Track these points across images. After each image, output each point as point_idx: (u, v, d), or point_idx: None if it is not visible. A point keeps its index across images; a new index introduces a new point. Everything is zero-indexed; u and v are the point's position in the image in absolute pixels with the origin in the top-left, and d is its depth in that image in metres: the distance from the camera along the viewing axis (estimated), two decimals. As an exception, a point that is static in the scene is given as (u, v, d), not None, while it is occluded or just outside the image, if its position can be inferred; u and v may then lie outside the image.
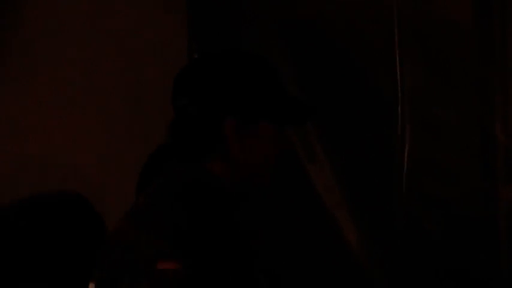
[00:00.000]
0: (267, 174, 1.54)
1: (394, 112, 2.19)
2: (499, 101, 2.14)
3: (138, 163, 1.85)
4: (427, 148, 2.18)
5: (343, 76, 2.28)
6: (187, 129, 1.52)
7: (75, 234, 1.88)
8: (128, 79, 2.66)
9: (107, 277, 1.49)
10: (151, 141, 1.88)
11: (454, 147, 2.15)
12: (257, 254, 1.49)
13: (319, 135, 2.29)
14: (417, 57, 2.19)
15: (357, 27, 2.26)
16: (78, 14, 2.64)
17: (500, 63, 2.13)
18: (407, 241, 2.16)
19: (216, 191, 1.47)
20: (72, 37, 2.62)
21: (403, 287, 2.19)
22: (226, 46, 2.35)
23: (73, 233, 1.88)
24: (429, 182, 2.19)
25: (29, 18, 2.72)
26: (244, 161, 1.50)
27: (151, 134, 2.21)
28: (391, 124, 2.20)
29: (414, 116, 2.17)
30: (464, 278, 2.17)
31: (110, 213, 1.80)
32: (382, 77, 2.23)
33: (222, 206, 1.47)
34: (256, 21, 2.42)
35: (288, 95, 1.57)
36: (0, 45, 2.73)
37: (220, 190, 1.48)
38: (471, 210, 2.16)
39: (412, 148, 2.17)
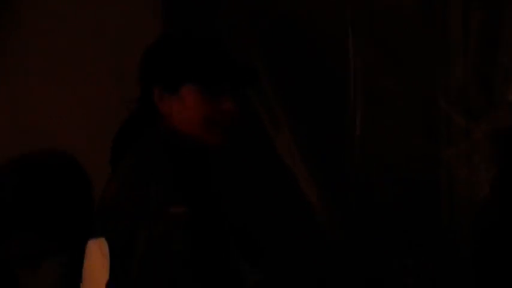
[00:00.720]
0: (212, 133, 1.68)
1: (347, 84, 2.49)
2: (440, 73, 2.44)
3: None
4: (376, 116, 2.47)
5: (305, 54, 2.57)
6: (140, 101, 1.73)
7: (63, 188, 2.12)
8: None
9: (121, 229, 1.63)
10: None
11: (400, 115, 2.45)
12: (225, 201, 1.70)
13: (282, 102, 2.56)
14: (367, 37, 2.49)
15: (316, 13, 2.56)
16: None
17: (441, 40, 2.43)
18: (360, 198, 2.47)
19: (188, 148, 1.66)
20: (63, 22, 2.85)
21: (359, 239, 2.47)
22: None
23: (60, 187, 2.13)
24: (378, 146, 2.49)
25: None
26: (180, 123, 1.67)
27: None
28: (345, 95, 2.50)
29: (365, 88, 2.47)
30: (412, 233, 2.46)
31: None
32: (338, 54, 2.52)
33: (195, 159, 1.66)
34: (227, 12, 2.70)
35: (225, 64, 1.70)
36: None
37: (190, 147, 1.66)
38: (416, 171, 2.45)
39: (363, 116, 2.47)
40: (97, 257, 1.79)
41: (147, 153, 1.67)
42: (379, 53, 2.49)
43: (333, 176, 2.50)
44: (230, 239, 1.71)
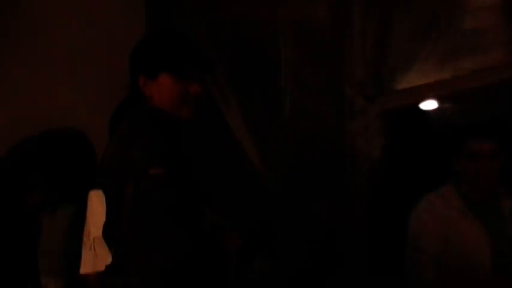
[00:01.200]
0: (183, 109, 2.05)
1: (280, 75, 3.21)
2: (346, 67, 3.20)
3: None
4: (301, 100, 3.21)
5: (248, 50, 3.28)
6: (129, 86, 2.12)
7: (74, 154, 2.65)
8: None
9: (114, 183, 1.98)
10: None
11: (318, 99, 3.20)
12: (193, 162, 2.06)
13: (231, 87, 3.25)
14: (294, 39, 3.22)
15: (256, 21, 3.28)
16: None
17: (346, 43, 3.18)
18: (289, 159, 3.22)
19: (165, 121, 2.03)
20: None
21: (286, 191, 3.21)
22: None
23: (72, 153, 2.65)
24: (302, 122, 3.24)
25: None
26: (160, 103, 2.04)
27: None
28: (279, 84, 3.23)
29: (293, 79, 3.21)
30: (322, 187, 3.20)
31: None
32: (272, 53, 3.26)
33: (171, 130, 2.01)
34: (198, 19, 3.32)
35: (193, 57, 2.09)
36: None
37: (167, 120, 2.03)
38: (328, 140, 3.22)
39: (292, 100, 3.21)
40: (96, 204, 2.16)
41: (134, 126, 2.02)
42: (302, 51, 3.22)
43: (270, 144, 3.22)
44: (197, 191, 2.06)
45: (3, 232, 2.64)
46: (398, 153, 3.40)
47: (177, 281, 1.97)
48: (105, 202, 2.09)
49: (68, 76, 3.24)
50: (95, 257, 2.29)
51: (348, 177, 3.19)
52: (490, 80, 3.06)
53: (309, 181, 3.27)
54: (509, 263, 2.84)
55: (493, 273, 2.85)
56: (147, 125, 2.01)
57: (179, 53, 2.08)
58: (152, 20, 3.24)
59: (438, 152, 3.16)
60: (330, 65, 3.23)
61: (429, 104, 3.54)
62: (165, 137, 1.98)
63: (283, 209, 3.23)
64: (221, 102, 3.24)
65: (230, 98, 3.27)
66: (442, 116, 3.66)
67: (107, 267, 2.09)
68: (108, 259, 2.15)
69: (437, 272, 2.82)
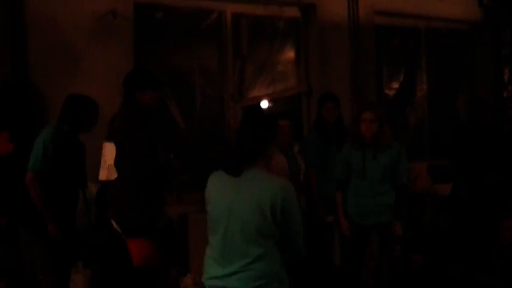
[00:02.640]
0: (153, 105, 4.19)
1: (194, 90, 6.38)
2: (226, 86, 6.38)
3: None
4: (205, 100, 6.36)
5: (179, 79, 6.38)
6: (124, 98, 4.24)
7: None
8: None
9: (119, 140, 4.05)
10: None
11: (213, 100, 6.41)
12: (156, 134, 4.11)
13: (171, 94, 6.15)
14: (202, 76, 6.47)
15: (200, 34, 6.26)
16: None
17: (225, 73, 6.44)
18: (199, 130, 6.26)
19: (146, 112, 4.15)
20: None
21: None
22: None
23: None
24: (205, 112, 6.36)
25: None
26: (142, 101, 4.16)
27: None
28: (194, 94, 6.34)
29: (202, 92, 6.46)
30: (213, 143, 6.34)
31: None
32: (188, 80, 6.39)
33: (148, 116, 4.15)
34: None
35: (156, 79, 4.21)
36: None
37: (148, 112, 4.16)
38: (218, 121, 6.34)
39: (200, 101, 6.39)
40: (110, 149, 4.37)
41: (129, 112, 4.10)
42: (205, 78, 6.48)
43: (189, 121, 6.27)
44: (156, 144, 4.11)
45: (64, 152, 4.34)
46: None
47: (146, 186, 3.97)
48: (115, 148, 4.12)
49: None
50: (108, 172, 4.72)
51: (226, 140, 6.36)
52: (288, 94, 6.52)
53: (206, 140, 6.31)
54: None
55: None
56: (135, 112, 4.07)
57: (154, 78, 4.31)
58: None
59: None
60: (217, 84, 6.43)
61: (264, 104, 6.69)
62: (144, 120, 4.03)
63: (195, 151, 6.11)
64: (168, 102, 6.17)
65: (171, 100, 6.16)
66: (270, 110, 6.76)
67: (114, 179, 4.20)
68: (114, 175, 4.23)
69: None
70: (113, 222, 4.24)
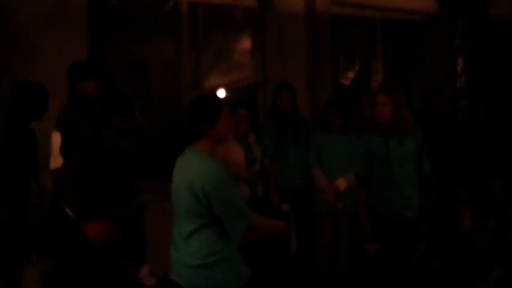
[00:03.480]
0: (96, 99, 4.40)
1: (150, 83, 6.44)
2: (183, 76, 6.44)
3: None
4: (164, 88, 6.46)
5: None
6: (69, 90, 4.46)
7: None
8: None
9: (66, 127, 4.15)
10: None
11: (172, 89, 6.47)
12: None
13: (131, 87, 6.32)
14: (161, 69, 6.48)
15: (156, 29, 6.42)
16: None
17: (183, 65, 6.50)
18: (158, 117, 6.38)
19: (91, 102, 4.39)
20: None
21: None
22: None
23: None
24: (164, 101, 6.41)
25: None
26: (85, 94, 4.37)
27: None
28: (152, 84, 6.43)
29: (159, 84, 6.48)
30: (172, 128, 6.40)
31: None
32: (145, 73, 6.46)
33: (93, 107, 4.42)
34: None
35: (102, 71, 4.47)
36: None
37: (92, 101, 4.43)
38: (175, 107, 6.37)
39: (158, 90, 6.44)
40: (58, 138, 4.29)
41: (72, 101, 4.29)
42: (164, 69, 6.48)
43: (146, 108, 6.40)
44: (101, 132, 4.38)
45: (14, 141, 4.32)
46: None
47: (93, 170, 4.05)
48: (61, 136, 4.20)
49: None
50: (57, 160, 4.54)
51: (182, 121, 5.90)
52: (244, 83, 6.57)
53: (163, 129, 6.36)
54: None
55: None
56: (80, 102, 4.26)
57: (95, 69, 4.56)
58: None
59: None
60: (174, 73, 6.44)
61: (221, 93, 6.71)
62: (87, 110, 4.46)
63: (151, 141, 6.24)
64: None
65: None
66: (227, 98, 6.73)
67: (62, 166, 4.29)
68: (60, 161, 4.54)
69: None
70: (67, 210, 4.20)
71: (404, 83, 8.37)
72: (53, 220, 4.74)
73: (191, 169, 3.20)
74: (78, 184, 4.09)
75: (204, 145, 3.26)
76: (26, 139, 4.50)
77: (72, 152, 4.13)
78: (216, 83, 6.66)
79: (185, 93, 6.47)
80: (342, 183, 5.49)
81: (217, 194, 3.16)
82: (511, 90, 8.36)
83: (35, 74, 5.16)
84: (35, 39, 5.51)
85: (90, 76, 4.34)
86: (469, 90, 8.41)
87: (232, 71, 6.78)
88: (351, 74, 7.94)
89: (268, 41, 6.87)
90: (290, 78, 6.36)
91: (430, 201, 4.87)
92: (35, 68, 5.39)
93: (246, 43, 6.95)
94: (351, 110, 5.67)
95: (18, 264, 4.49)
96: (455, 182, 7.00)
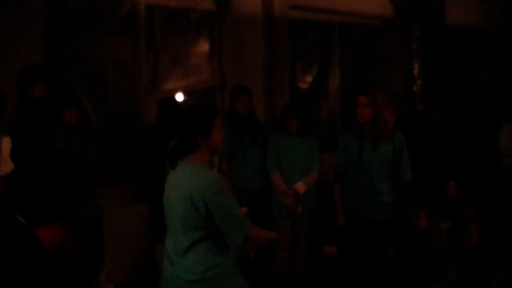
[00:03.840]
0: (45, 99, 4.87)
1: (105, 85, 6.39)
2: (140, 80, 6.39)
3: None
4: (119, 92, 6.42)
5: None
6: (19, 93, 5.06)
7: None
8: None
9: (16, 129, 4.35)
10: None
11: (128, 92, 6.39)
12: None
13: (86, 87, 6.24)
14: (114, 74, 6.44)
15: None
16: None
17: (141, 68, 6.44)
18: (113, 120, 6.36)
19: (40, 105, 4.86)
20: None
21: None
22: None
23: None
24: (119, 104, 6.32)
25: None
26: (35, 97, 4.57)
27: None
28: (105, 87, 6.37)
29: (114, 86, 6.46)
30: (127, 130, 6.37)
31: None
32: (99, 76, 6.40)
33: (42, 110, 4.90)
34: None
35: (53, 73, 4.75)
36: None
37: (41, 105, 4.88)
38: (131, 111, 6.34)
39: (113, 95, 6.42)
40: (6, 141, 4.33)
41: (21, 105, 4.51)
42: (118, 72, 6.43)
43: (102, 112, 6.34)
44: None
45: None
46: (164, 119, 6.04)
47: (43, 174, 4.22)
48: (11, 140, 4.31)
49: None
50: (7, 166, 4.61)
51: (139, 124, 6.35)
52: (202, 86, 6.55)
53: (118, 133, 6.28)
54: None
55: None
56: (29, 106, 4.63)
57: (44, 73, 4.70)
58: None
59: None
60: (130, 76, 6.37)
61: (179, 96, 6.66)
62: (35, 110, 4.65)
63: (107, 144, 6.17)
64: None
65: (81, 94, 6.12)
66: (185, 103, 6.75)
67: (11, 171, 4.32)
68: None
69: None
70: (18, 216, 4.13)
71: (361, 87, 8.34)
72: (5, 226, 4.67)
73: (189, 182, 3.10)
74: (27, 188, 4.04)
75: (200, 157, 3.17)
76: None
77: (22, 156, 4.10)
78: (174, 87, 6.63)
79: (142, 97, 6.43)
80: (301, 186, 5.53)
81: (219, 205, 3.08)
82: (466, 94, 8.57)
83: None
84: (-12, 41, 5.38)
85: (40, 80, 4.33)
86: (425, 93, 8.52)
87: (190, 74, 6.74)
88: (309, 78, 7.99)
89: (226, 44, 6.86)
90: (248, 82, 6.38)
91: (406, 206, 4.83)
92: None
93: (203, 46, 6.93)
94: (308, 113, 5.70)
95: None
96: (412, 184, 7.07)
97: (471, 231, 5.22)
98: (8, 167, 4.51)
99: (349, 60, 8.29)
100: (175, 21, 6.69)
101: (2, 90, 4.48)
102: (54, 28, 5.82)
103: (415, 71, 8.56)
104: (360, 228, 4.77)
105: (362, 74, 8.42)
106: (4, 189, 4.84)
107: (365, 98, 4.62)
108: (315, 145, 5.72)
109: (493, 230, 5.60)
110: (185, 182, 3.11)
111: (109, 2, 6.27)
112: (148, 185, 5.90)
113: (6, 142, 4.49)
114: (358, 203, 4.78)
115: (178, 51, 6.72)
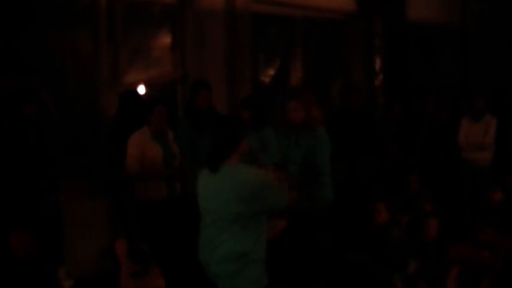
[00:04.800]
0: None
1: (64, 79, 6.31)
2: (100, 74, 6.33)
3: None
4: (79, 87, 6.34)
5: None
6: None
7: None
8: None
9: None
10: None
11: (89, 86, 6.33)
12: None
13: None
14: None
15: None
16: None
17: (100, 63, 6.36)
18: (75, 117, 6.29)
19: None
20: None
21: None
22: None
23: None
24: (79, 100, 6.26)
25: None
26: None
27: None
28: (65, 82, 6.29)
29: (74, 81, 6.37)
30: (89, 123, 6.33)
31: None
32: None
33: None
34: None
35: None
36: None
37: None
38: (91, 105, 6.29)
39: (73, 90, 6.31)
40: None
41: None
42: (82, 66, 6.35)
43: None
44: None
45: None
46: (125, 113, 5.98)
47: (16, 173, 4.59)
48: None
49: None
50: None
51: (100, 117, 6.29)
52: (163, 80, 6.50)
53: (78, 126, 6.27)
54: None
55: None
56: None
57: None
58: None
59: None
60: (90, 69, 6.31)
61: (141, 89, 6.60)
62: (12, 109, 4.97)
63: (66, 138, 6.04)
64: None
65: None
66: (146, 96, 6.65)
67: None
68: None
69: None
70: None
71: (323, 81, 8.49)
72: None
73: (236, 179, 3.52)
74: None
75: (236, 158, 3.62)
76: None
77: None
78: (135, 79, 6.58)
79: (102, 90, 6.36)
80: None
81: (266, 188, 3.58)
82: (426, 89, 8.63)
83: None
84: None
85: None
86: (386, 88, 8.58)
87: (151, 67, 6.70)
88: (271, 71, 7.99)
89: (188, 37, 6.83)
90: (209, 75, 6.37)
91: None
92: None
93: (165, 39, 6.88)
94: (267, 106, 5.68)
95: None
96: (372, 177, 7.20)
97: (430, 224, 5.28)
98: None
99: (311, 55, 8.30)
100: (137, 14, 6.63)
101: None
102: (11, 19, 5.74)
103: (377, 66, 8.63)
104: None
105: (324, 68, 8.45)
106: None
107: (295, 103, 4.73)
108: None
109: (451, 223, 5.67)
110: (232, 180, 3.53)
111: (70, -7, 6.16)
112: (109, 180, 5.84)
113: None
114: None
115: (140, 44, 6.68)
